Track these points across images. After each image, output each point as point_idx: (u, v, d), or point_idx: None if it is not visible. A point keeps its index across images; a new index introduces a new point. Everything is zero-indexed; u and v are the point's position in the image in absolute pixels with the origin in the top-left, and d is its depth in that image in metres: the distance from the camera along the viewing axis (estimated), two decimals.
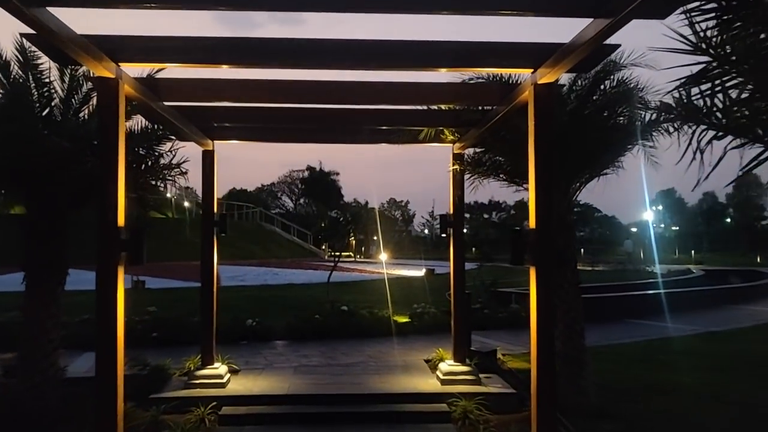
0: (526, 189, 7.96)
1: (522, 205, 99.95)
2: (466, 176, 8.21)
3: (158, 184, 7.26)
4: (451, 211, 8.20)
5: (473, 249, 72.24)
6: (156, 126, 7.20)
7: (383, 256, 33.07)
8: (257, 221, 43.03)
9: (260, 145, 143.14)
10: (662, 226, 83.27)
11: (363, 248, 49.66)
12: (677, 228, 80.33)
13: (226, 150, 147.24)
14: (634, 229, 78.85)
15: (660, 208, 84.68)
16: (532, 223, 4.76)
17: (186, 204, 38.69)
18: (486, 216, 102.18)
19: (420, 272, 25.99)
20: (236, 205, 46.00)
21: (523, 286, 17.37)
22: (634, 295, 15.77)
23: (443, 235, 8.39)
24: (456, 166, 8.04)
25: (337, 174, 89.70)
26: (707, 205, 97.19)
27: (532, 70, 4.81)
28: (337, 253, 14.31)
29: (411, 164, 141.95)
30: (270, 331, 11.30)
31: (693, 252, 54.79)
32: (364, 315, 12.48)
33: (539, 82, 4.72)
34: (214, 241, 7.97)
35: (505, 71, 5.97)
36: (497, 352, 9.40)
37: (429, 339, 11.30)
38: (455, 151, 8.14)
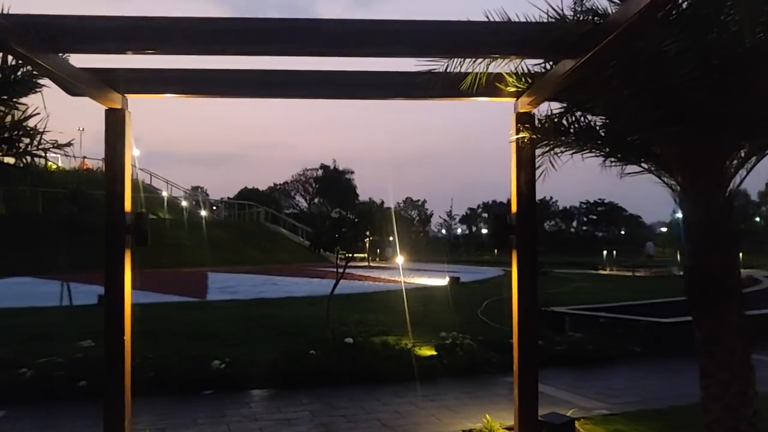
0: (649, 170, 4.81)
1: (543, 204, 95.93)
2: (537, 151, 5.04)
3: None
4: (514, 209, 5.03)
5: (495, 252, 68.79)
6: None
7: (400, 260, 29.91)
8: (261, 222, 39.68)
9: (273, 142, 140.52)
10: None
11: (378, 250, 46.41)
12: None
13: (239, 147, 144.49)
14: (664, 229, 75.06)
15: None
16: None
17: (184, 203, 35.72)
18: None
19: (442, 281, 22.78)
20: (237, 204, 42.91)
21: (576, 303, 14.05)
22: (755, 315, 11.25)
23: (498, 248, 5.18)
24: (524, 134, 4.88)
25: (352, 172, 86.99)
26: (738, 203, 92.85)
27: None
28: (346, 255, 10.97)
29: (428, 161, 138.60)
30: (246, 375, 8.18)
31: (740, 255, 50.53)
32: (377, 348, 9.35)
33: None
34: (124, 256, 4.85)
35: None
36: (574, 423, 6.21)
37: (465, 386, 8.15)
38: (520, 110, 4.98)
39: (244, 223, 37.57)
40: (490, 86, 4.86)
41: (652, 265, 36.50)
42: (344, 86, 5.04)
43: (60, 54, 3.96)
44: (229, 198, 52.62)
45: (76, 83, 4.29)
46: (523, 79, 4.80)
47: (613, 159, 4.77)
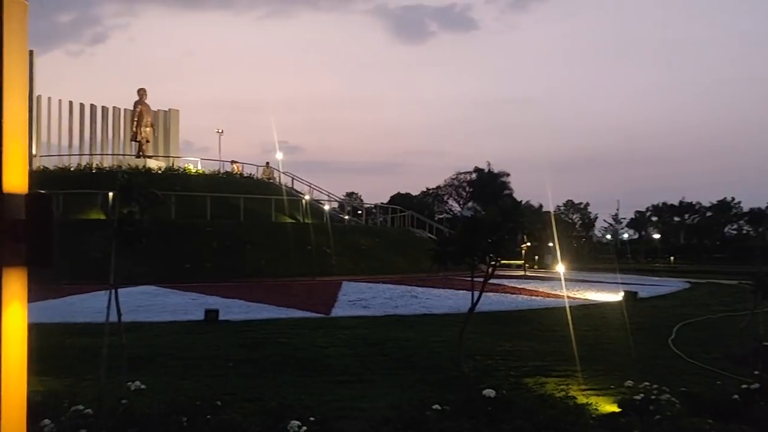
0: None
1: (723, 206, 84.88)
2: None
3: None
4: None
5: (671, 258, 61.59)
6: None
7: (560, 268, 26.43)
8: (407, 227, 37.48)
9: (428, 148, 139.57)
10: None
11: (537, 257, 42.69)
12: None
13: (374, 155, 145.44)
14: None
15: None
16: None
17: (326, 208, 34.54)
18: (677, 219, 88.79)
19: (614, 296, 19.11)
20: (382, 209, 41.16)
21: None
22: None
23: None
24: None
25: (508, 175, 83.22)
26: None
27: None
28: (490, 264, 8.42)
29: (591, 162, 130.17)
30: None
31: None
32: (531, 404, 6.55)
33: None
34: None
35: None
36: None
37: None
38: None
39: (390, 229, 35.63)
40: None
41: None
42: None
43: None
44: (381, 203, 51.43)
45: None
46: None
47: None
